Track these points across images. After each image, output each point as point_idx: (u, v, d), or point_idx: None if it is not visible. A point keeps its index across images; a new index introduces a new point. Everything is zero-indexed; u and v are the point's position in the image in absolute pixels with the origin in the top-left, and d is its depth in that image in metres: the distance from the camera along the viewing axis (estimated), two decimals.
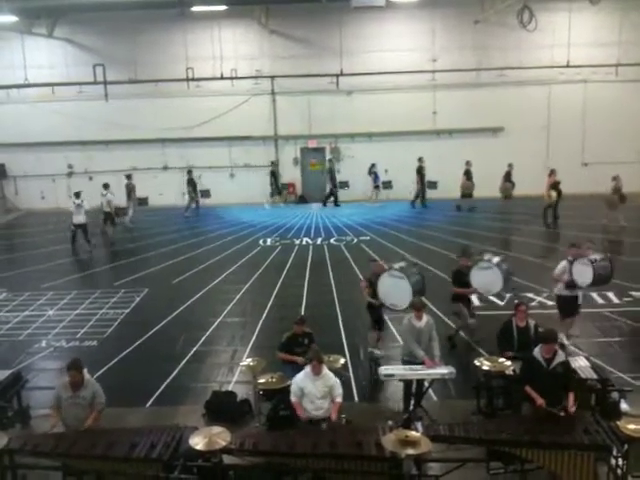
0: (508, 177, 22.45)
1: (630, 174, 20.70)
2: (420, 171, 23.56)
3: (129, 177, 22.95)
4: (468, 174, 22.89)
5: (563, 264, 10.91)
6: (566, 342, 10.72)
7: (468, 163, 22.84)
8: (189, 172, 23.81)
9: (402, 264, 10.46)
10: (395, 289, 10.04)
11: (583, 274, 10.61)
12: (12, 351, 11.69)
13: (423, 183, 23.75)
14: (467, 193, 22.82)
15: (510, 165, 22.34)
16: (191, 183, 23.69)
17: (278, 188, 25.18)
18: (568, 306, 10.99)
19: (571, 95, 23.85)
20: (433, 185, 24.25)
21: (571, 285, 10.80)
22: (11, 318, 13.40)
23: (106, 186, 20.43)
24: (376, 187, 24.42)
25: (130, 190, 22.56)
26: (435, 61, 24.17)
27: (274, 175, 24.91)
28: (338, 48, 22.71)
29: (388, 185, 24.92)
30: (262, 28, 24.07)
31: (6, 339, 12.35)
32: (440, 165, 23.67)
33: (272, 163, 24.89)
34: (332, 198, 24.84)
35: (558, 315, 11.14)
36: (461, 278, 11.08)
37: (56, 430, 7.28)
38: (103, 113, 23.56)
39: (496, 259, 10.96)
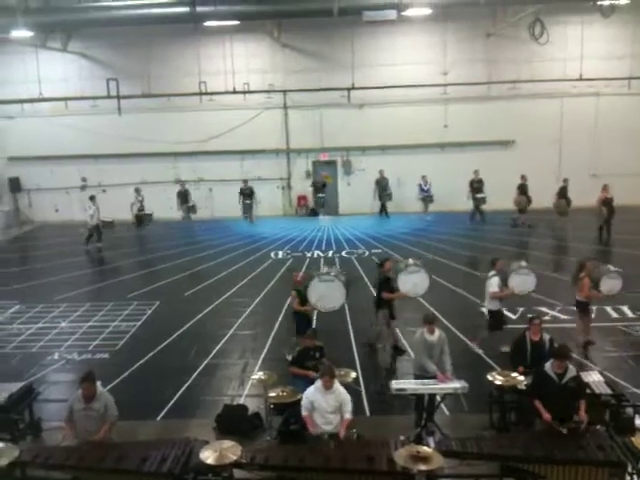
0: (563, 193, 21.53)
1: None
2: (472, 184, 22.85)
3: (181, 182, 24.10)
4: (522, 188, 21.96)
5: (496, 280, 11.23)
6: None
7: (523, 177, 21.98)
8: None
9: (327, 269, 11.45)
10: (328, 292, 11.02)
11: (526, 283, 11.50)
12: (25, 363, 11.73)
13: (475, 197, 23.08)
14: (520, 208, 21.87)
15: (565, 180, 21.69)
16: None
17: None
18: (500, 320, 11.47)
19: (583, 108, 23.78)
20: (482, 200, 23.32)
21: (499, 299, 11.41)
22: (24, 330, 13.46)
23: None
24: (422, 199, 24.07)
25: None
26: (447, 74, 24.19)
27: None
28: (350, 62, 22.80)
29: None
30: (274, 42, 24.23)
31: (19, 351, 12.40)
32: (451, 178, 23.58)
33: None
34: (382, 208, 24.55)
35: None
36: (387, 284, 11.54)
37: (68, 443, 7.29)
38: (116, 127, 23.74)
39: (412, 261, 11.90)
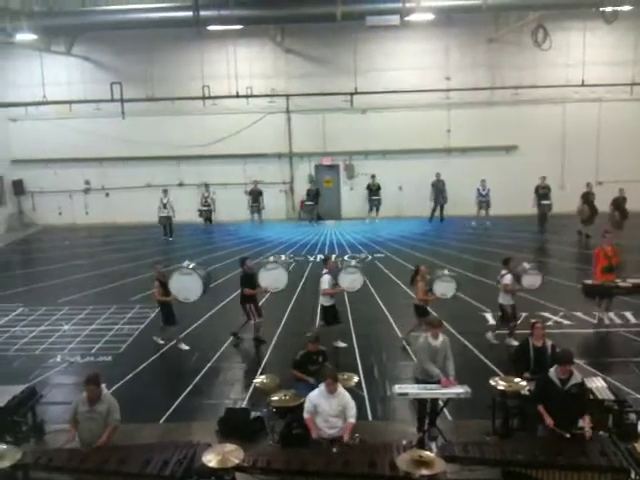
0: (587, 199, 20.74)
1: (621, 187, 20.57)
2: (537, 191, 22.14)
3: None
4: (586, 197, 20.78)
5: (327, 277, 12.09)
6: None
7: (588, 185, 21.00)
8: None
9: (191, 264, 12.42)
10: (186, 284, 12.11)
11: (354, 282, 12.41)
12: (27, 366, 11.75)
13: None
14: (582, 219, 20.64)
15: (589, 185, 21.08)
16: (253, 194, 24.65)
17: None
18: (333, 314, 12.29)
19: (586, 114, 23.78)
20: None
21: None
22: (27, 333, 13.48)
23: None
24: (479, 203, 23.26)
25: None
26: (449, 79, 24.21)
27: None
28: (352, 66, 22.83)
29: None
30: (277, 47, 24.30)
31: (22, 353, 12.42)
32: (454, 183, 23.61)
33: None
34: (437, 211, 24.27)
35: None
36: (250, 280, 12.47)
37: (71, 445, 7.31)
38: (120, 130, 23.80)
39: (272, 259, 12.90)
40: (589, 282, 13.19)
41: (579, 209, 20.84)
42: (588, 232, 20.38)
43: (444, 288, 11.98)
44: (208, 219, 24.50)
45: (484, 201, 23.13)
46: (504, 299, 11.99)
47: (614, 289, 12.89)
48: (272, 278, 12.56)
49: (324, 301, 12.19)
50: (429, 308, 12.05)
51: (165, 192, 22.92)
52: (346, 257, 12.87)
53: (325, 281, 12.03)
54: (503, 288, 11.94)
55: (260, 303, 12.84)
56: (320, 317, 12.71)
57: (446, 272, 12.36)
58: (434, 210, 24.16)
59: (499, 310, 12.25)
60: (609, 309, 13.26)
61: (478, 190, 23.11)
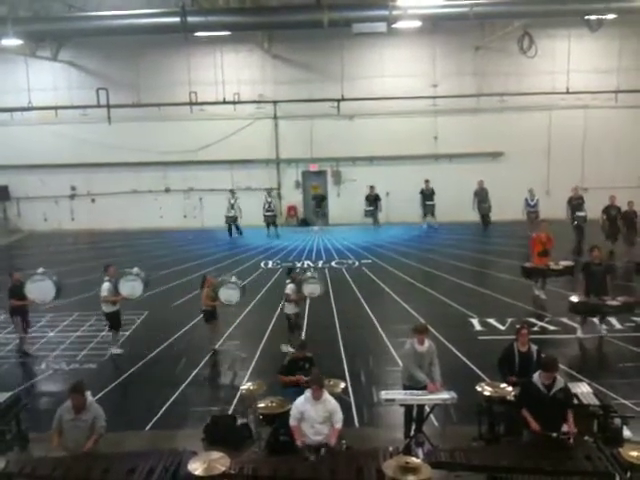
0: (609, 213, 18.94)
1: (630, 199, 20.67)
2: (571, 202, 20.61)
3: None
4: (608, 213, 19.04)
5: (107, 285, 12.58)
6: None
7: (611, 198, 19.18)
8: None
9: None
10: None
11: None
12: (12, 373, 11.65)
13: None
14: (606, 234, 18.93)
15: (612, 198, 19.17)
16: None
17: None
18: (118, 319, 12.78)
19: (571, 121, 23.97)
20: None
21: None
22: (11, 340, 13.34)
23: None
24: (528, 214, 21.83)
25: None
26: (436, 86, 24.36)
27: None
28: (340, 73, 22.89)
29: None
30: (265, 53, 24.33)
31: (6, 361, 12.33)
32: (441, 189, 23.68)
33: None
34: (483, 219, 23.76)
35: None
36: (17, 292, 12.50)
37: (55, 453, 7.24)
38: (106, 136, 23.68)
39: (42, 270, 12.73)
40: (527, 265, 15.19)
41: (602, 225, 19.26)
42: (613, 248, 18.68)
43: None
44: (270, 224, 23.83)
45: (533, 212, 21.56)
46: (288, 308, 12.55)
47: (547, 271, 14.89)
48: (39, 290, 12.38)
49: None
50: None
51: (232, 193, 23.57)
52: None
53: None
54: (285, 298, 12.55)
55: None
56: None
57: (233, 279, 12.78)
58: (482, 218, 23.54)
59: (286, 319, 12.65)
60: (544, 287, 15.03)
61: (526, 200, 21.72)
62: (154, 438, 9.14)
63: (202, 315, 12.90)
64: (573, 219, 20.33)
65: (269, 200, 24.01)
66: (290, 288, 12.53)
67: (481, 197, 23.40)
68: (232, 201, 23.47)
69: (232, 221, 23.60)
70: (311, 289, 12.67)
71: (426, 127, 24.47)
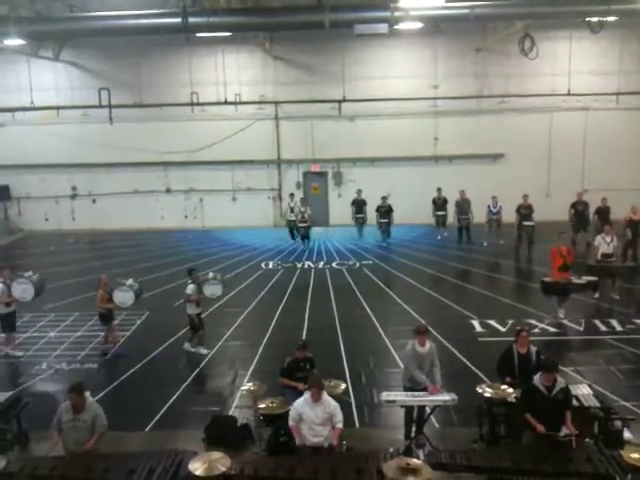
0: (631, 224, 17.75)
1: (630, 201, 20.62)
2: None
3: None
4: (575, 207, 19.10)
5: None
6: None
7: (579, 195, 19.03)
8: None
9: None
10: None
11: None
12: (13, 373, 11.66)
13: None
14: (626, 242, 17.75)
15: (635, 209, 17.90)
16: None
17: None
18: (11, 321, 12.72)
19: (572, 122, 23.98)
20: None
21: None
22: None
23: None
24: (489, 221, 21.42)
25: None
26: (437, 88, 24.36)
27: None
28: (341, 74, 22.91)
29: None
30: (266, 54, 24.34)
31: (7, 360, 12.32)
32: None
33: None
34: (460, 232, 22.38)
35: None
36: None
37: (56, 453, 7.24)
38: (107, 136, 23.70)
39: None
40: (547, 279, 13.95)
41: (569, 218, 19.94)
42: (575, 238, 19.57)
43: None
44: (304, 236, 22.37)
45: (495, 219, 21.21)
46: (189, 309, 12.56)
47: (569, 285, 13.76)
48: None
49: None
50: None
51: (292, 196, 22.99)
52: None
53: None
54: (186, 298, 12.59)
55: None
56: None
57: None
58: (459, 230, 22.27)
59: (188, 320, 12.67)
60: (564, 304, 13.95)
61: (489, 207, 21.27)
62: (154, 438, 9.14)
63: (98, 317, 12.98)
64: (519, 228, 20.11)
65: (302, 210, 22.12)
66: (191, 288, 12.60)
67: (462, 208, 21.82)
68: (291, 204, 22.54)
69: (293, 225, 22.42)
70: (212, 290, 12.79)
71: (427, 128, 24.48)
